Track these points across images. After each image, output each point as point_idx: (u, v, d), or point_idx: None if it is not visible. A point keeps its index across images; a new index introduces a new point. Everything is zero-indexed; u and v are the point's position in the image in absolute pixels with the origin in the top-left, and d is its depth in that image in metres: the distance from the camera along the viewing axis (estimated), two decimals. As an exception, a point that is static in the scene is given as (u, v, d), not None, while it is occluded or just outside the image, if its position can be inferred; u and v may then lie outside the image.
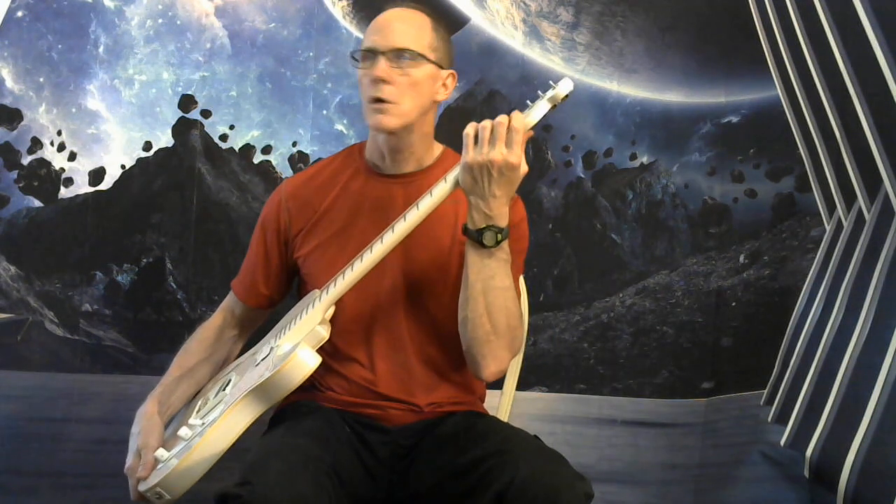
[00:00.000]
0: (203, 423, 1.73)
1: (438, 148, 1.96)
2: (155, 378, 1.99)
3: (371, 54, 1.83)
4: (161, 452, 1.73)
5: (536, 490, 1.59)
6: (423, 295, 1.89)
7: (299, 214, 1.92)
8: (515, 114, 1.70)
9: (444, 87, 1.89)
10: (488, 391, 2.05)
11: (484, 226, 1.72)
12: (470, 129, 1.70)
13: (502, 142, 1.67)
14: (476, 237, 1.72)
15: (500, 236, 1.72)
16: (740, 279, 2.93)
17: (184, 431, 1.74)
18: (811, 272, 2.78)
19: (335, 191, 1.92)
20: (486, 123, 1.69)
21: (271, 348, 1.79)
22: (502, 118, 1.68)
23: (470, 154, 1.68)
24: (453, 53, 1.94)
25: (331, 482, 1.67)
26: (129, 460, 1.77)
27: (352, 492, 1.75)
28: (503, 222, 1.72)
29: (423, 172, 1.91)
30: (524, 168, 1.70)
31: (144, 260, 2.85)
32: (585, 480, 1.65)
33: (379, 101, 1.81)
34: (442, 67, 1.88)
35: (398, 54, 1.81)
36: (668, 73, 2.94)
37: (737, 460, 2.90)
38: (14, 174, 2.80)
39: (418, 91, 1.83)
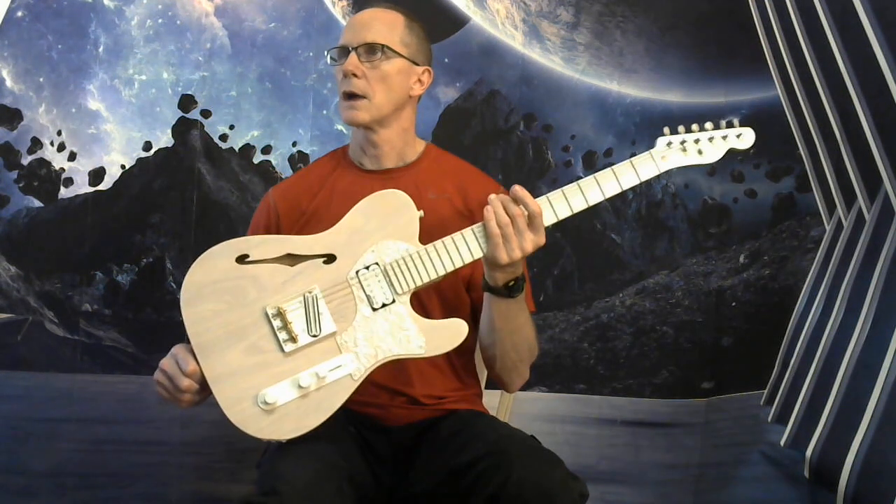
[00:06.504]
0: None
1: (421, 144, 1.99)
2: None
3: (344, 51, 1.88)
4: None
5: (530, 492, 1.59)
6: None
7: (288, 217, 1.94)
8: (532, 203, 1.66)
9: (420, 82, 1.93)
10: (488, 391, 2.05)
11: (511, 283, 1.74)
12: (494, 228, 1.67)
13: (528, 232, 1.67)
14: (506, 294, 1.75)
15: (523, 283, 1.76)
16: (740, 279, 2.93)
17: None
18: (811, 272, 2.78)
19: (322, 192, 1.94)
20: (506, 220, 1.67)
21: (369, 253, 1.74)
22: (519, 211, 1.66)
23: (503, 255, 1.67)
24: (430, 51, 1.97)
25: (350, 490, 1.68)
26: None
27: (362, 495, 1.76)
28: (521, 269, 1.76)
29: (406, 168, 1.94)
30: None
31: (144, 260, 2.85)
32: (579, 481, 1.65)
33: (350, 96, 1.87)
34: (416, 63, 1.91)
35: (368, 49, 1.87)
36: (668, 73, 2.94)
37: (737, 460, 2.90)
38: (14, 174, 2.80)
39: (389, 85, 1.87)
